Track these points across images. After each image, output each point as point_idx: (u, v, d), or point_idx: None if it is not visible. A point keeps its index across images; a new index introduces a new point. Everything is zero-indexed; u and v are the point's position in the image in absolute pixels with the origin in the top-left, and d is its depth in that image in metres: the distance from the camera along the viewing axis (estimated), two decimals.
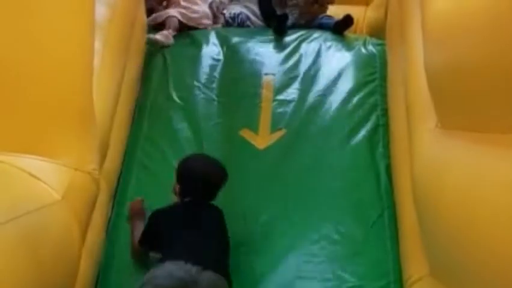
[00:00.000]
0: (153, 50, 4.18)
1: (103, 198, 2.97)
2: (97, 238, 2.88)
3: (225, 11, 4.76)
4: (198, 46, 4.30)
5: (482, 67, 1.96)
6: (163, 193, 3.19)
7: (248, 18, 4.72)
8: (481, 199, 1.94)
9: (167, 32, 4.31)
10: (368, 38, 4.44)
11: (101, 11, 3.08)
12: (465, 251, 2.02)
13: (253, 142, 3.62)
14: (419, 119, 2.69)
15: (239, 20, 4.70)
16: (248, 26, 4.70)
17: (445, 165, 2.23)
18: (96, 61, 2.82)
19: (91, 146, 2.67)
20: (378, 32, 4.51)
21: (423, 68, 2.46)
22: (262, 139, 3.63)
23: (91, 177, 2.62)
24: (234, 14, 4.72)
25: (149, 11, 4.46)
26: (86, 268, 2.67)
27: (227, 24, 4.70)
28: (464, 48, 2.05)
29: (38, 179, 2.28)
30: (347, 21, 4.48)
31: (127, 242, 3.05)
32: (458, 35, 2.08)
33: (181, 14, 4.45)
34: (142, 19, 4.06)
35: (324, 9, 4.72)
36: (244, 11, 4.74)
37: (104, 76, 3.00)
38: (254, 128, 3.69)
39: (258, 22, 4.74)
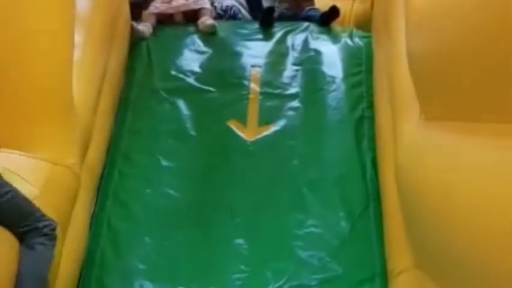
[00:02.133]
0: (137, 41, 4.15)
1: (86, 193, 2.94)
2: (79, 233, 2.86)
3: (216, 4, 4.71)
4: (183, 38, 4.29)
5: (464, 53, 1.95)
6: (147, 186, 3.23)
7: (240, 11, 4.70)
8: (461, 189, 1.94)
9: (149, 24, 4.31)
10: (355, 30, 4.43)
11: (83, 4, 3.07)
12: (446, 238, 2.05)
13: (241, 133, 3.61)
14: (403, 111, 2.70)
15: (231, 13, 4.68)
16: (240, 19, 4.68)
17: (426, 155, 2.25)
18: (78, 54, 2.82)
19: (71, 139, 2.66)
20: (365, 24, 4.49)
21: (406, 61, 2.46)
22: (250, 131, 3.63)
23: (71, 172, 2.62)
24: (226, 6, 4.70)
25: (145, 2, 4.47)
26: (68, 264, 2.65)
27: (219, 16, 4.65)
28: (447, 34, 2.04)
29: (15, 173, 2.27)
30: (333, 12, 4.46)
31: (110, 237, 3.05)
32: (440, 20, 2.08)
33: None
34: (126, 11, 4.02)
35: (312, 1, 4.72)
36: (236, 3, 4.72)
37: (86, 69, 3.00)
38: (242, 120, 3.68)
39: (248, 15, 4.73)
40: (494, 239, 1.78)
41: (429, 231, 2.19)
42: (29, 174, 2.32)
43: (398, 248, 2.74)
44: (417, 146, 2.36)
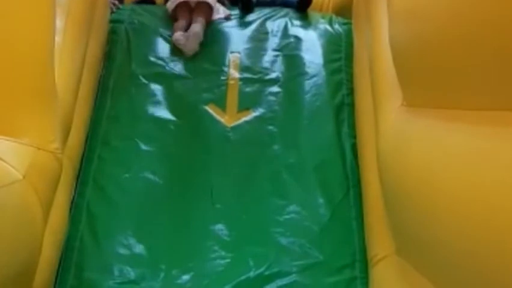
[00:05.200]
0: (116, 27, 4.13)
1: (67, 178, 2.92)
2: (61, 219, 2.83)
3: None
4: (163, 22, 4.27)
5: (447, 38, 1.94)
6: (126, 171, 3.23)
7: None
8: (443, 175, 1.94)
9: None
10: (334, 16, 4.42)
11: None
12: (428, 227, 2.02)
13: (220, 118, 3.61)
14: (385, 98, 2.69)
15: None
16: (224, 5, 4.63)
17: (409, 142, 2.23)
18: (58, 39, 2.79)
19: (53, 124, 2.63)
20: (344, 10, 4.46)
21: (388, 47, 2.44)
22: (229, 117, 3.62)
23: (54, 156, 2.58)
24: None
25: None
26: (49, 249, 2.63)
27: None
28: (430, 21, 2.03)
29: None
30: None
31: (90, 222, 3.04)
32: (424, 7, 2.06)
33: None
34: None
35: None
36: None
37: (66, 54, 2.95)
38: (221, 105, 3.68)
39: (227, 1, 4.69)
40: (476, 227, 1.78)
41: (410, 218, 2.19)
42: (13, 159, 2.29)
43: (379, 235, 2.74)
44: (399, 132, 2.36)
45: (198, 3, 4.23)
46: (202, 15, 4.17)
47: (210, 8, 4.25)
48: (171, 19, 4.26)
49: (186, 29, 4.10)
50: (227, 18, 4.37)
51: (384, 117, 2.60)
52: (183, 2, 4.23)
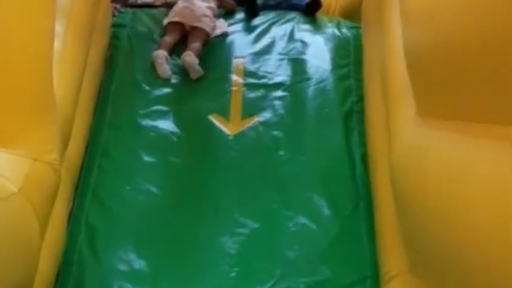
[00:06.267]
0: (118, 32, 4.07)
1: (65, 190, 2.85)
2: (58, 232, 2.76)
3: None
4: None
5: (465, 47, 1.84)
6: (127, 183, 3.16)
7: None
8: (462, 192, 1.84)
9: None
10: (342, 20, 4.36)
11: None
12: (446, 245, 1.94)
13: (223, 127, 3.53)
14: (398, 107, 2.62)
15: None
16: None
17: (426, 155, 2.15)
18: (57, 44, 2.73)
19: (51, 134, 2.56)
20: (351, 14, 4.43)
21: (401, 54, 2.38)
22: (233, 125, 3.55)
23: (52, 168, 2.51)
24: None
25: None
26: (45, 264, 2.56)
27: None
28: (446, 26, 1.93)
29: None
30: (316, 3, 4.41)
31: (88, 236, 2.96)
32: (440, 11, 1.96)
33: None
34: (106, 0, 3.91)
35: None
36: None
37: (66, 60, 2.90)
38: (224, 113, 3.61)
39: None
40: (500, 244, 1.68)
41: (428, 235, 2.09)
42: (8, 171, 2.22)
43: (391, 250, 2.66)
44: (415, 146, 2.27)
45: (194, 29, 4.11)
46: (198, 40, 4.04)
47: (206, 34, 4.13)
48: (161, 32, 4.17)
49: (170, 48, 3.99)
50: (224, 35, 4.25)
51: (397, 127, 2.54)
52: (177, 22, 4.13)
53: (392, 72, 2.81)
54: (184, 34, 4.09)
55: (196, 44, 3.95)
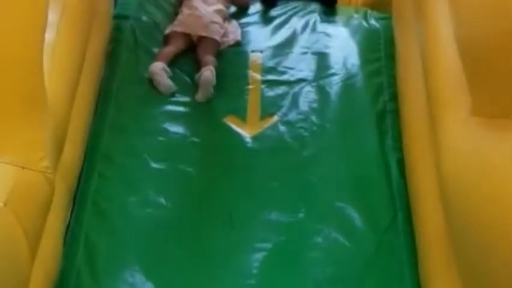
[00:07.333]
0: (121, 23, 3.90)
1: (60, 201, 2.69)
2: (53, 251, 2.60)
3: None
4: (172, 20, 4.00)
5: None
6: (132, 194, 2.99)
7: None
8: None
9: None
10: (369, 11, 4.19)
11: None
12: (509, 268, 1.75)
13: (240, 130, 3.37)
14: (446, 107, 2.46)
15: None
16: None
17: (485, 162, 1.98)
18: (50, 34, 2.61)
19: (42, 139, 2.41)
20: (377, 4, 4.23)
21: (449, 48, 2.33)
22: (251, 126, 3.39)
23: (43, 177, 2.37)
24: None
25: None
26: (38, 286, 2.43)
27: None
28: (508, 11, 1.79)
29: None
30: None
31: (88, 255, 2.79)
32: None
33: None
34: None
35: None
36: None
37: (61, 53, 2.76)
38: (241, 114, 3.45)
39: None
40: None
41: (489, 260, 1.89)
42: None
43: (437, 271, 2.48)
44: (471, 151, 2.11)
45: (202, 38, 3.78)
46: (210, 53, 3.70)
47: (216, 44, 3.79)
48: (163, 42, 3.88)
49: (170, 60, 3.66)
50: (236, 44, 3.95)
51: (447, 130, 2.37)
52: (182, 32, 3.81)
53: (438, 68, 2.64)
54: (189, 45, 3.80)
55: (211, 58, 3.63)
